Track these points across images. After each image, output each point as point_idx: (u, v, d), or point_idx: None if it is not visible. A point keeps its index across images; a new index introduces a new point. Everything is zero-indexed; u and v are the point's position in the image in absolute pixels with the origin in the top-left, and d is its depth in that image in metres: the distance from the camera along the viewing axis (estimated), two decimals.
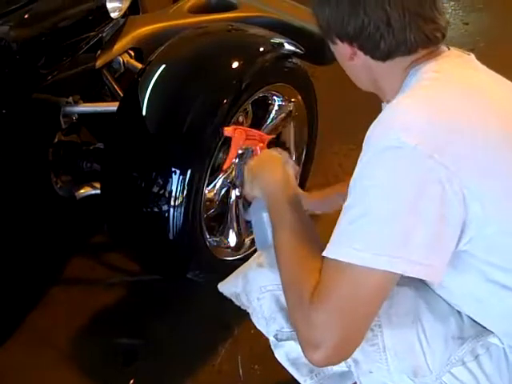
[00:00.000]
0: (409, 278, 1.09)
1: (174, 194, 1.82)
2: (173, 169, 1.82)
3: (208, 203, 2.05)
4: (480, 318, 1.27)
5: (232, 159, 1.77)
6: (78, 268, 2.31)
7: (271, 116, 2.23)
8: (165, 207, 1.84)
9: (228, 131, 1.74)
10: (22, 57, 1.91)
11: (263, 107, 2.20)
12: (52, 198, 2.17)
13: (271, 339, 1.43)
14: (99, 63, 2.19)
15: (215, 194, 2.08)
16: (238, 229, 2.19)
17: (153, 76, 1.93)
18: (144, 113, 1.89)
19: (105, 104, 2.22)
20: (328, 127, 2.43)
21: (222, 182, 2.09)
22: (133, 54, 2.33)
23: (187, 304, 2.17)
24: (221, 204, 2.14)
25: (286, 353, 1.40)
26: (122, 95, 2.15)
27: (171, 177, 1.82)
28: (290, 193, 1.38)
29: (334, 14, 1.22)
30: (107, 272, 2.31)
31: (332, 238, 1.13)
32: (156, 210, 1.86)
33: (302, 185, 2.27)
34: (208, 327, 2.10)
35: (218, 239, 2.14)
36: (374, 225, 1.07)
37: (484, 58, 1.28)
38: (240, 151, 1.93)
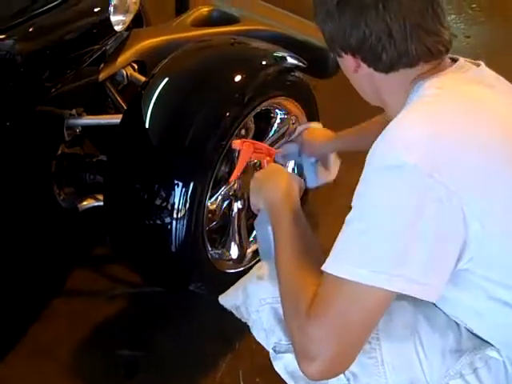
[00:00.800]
0: None
1: (176, 206, 1.82)
2: (175, 181, 1.83)
3: (210, 216, 2.05)
4: (479, 331, 1.27)
5: (239, 171, 1.78)
6: (79, 280, 2.31)
7: (273, 129, 2.24)
8: (167, 219, 1.84)
9: (236, 144, 1.75)
10: (26, 70, 1.92)
11: (265, 120, 2.21)
12: (55, 210, 2.17)
13: (270, 352, 1.43)
14: (103, 76, 2.20)
15: (217, 206, 2.08)
16: (239, 241, 2.19)
17: (156, 89, 1.94)
18: (147, 125, 1.89)
19: (108, 116, 2.23)
20: None
21: (224, 194, 2.10)
22: (136, 66, 2.34)
23: (189, 316, 2.17)
24: (223, 216, 2.15)
25: (285, 365, 1.41)
26: (125, 108, 2.16)
27: (174, 189, 1.82)
28: (292, 206, 1.38)
29: (337, 27, 1.23)
30: (109, 284, 2.31)
31: (332, 252, 1.13)
32: (158, 222, 1.87)
33: (302, 198, 2.27)
34: (209, 340, 2.10)
35: (219, 252, 2.15)
36: (373, 242, 1.08)
37: None
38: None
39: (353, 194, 1.14)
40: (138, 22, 2.47)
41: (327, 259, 1.13)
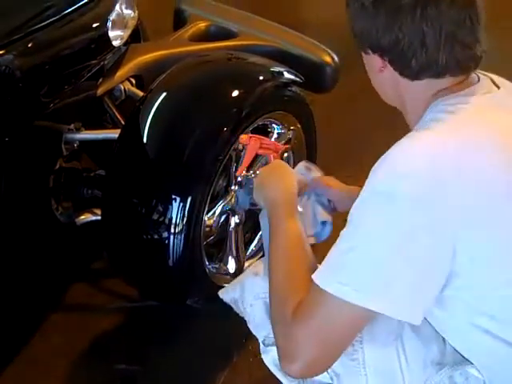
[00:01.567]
0: None
1: (174, 221, 1.83)
2: (173, 196, 1.84)
3: (208, 230, 2.06)
4: (461, 351, 1.28)
5: (245, 166, 1.77)
6: (77, 294, 2.31)
7: None
8: (165, 234, 1.85)
9: (243, 139, 1.75)
10: (24, 85, 1.93)
11: (263, 135, 2.21)
12: (53, 224, 2.17)
13: (260, 344, 1.46)
14: (101, 91, 2.21)
15: (215, 221, 2.08)
16: (237, 256, 2.19)
17: (154, 104, 1.95)
18: (145, 140, 1.90)
19: (106, 131, 2.24)
20: (326, 154, 2.45)
21: (222, 209, 2.10)
22: (134, 81, 2.35)
23: (186, 330, 2.17)
24: (220, 231, 2.15)
25: (273, 358, 1.42)
26: (122, 122, 2.17)
27: (171, 204, 1.83)
28: (289, 208, 1.38)
29: (369, 25, 1.20)
30: (107, 298, 2.31)
31: (323, 263, 1.15)
32: (156, 236, 1.87)
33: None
34: (207, 353, 2.10)
35: (217, 266, 2.15)
36: (360, 263, 1.09)
37: None
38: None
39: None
40: (135, 37, 2.48)
41: (318, 269, 1.15)
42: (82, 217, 2.20)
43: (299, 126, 2.24)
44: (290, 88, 2.16)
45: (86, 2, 2.15)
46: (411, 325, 1.30)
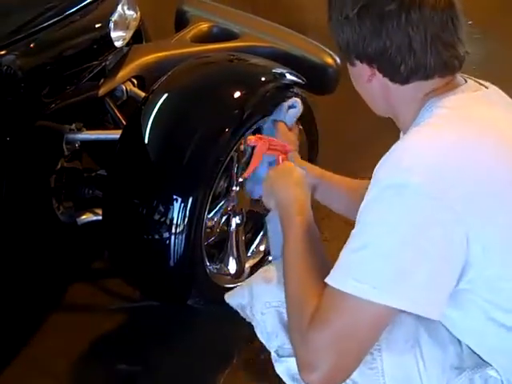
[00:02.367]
0: None
1: (175, 221, 1.83)
2: (174, 196, 1.84)
3: (208, 231, 2.06)
4: (479, 351, 1.27)
5: (254, 167, 1.77)
6: (78, 294, 2.31)
7: None
8: (166, 234, 1.85)
9: (251, 140, 1.75)
10: (26, 85, 1.94)
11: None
12: (54, 224, 2.18)
13: (272, 354, 1.44)
14: (102, 91, 2.21)
15: (216, 221, 2.09)
16: (237, 256, 2.20)
17: (155, 105, 1.95)
18: (146, 141, 1.90)
19: (107, 131, 2.24)
20: (328, 155, 2.45)
21: (223, 209, 2.11)
22: (135, 82, 2.35)
23: (187, 331, 2.17)
24: (221, 231, 2.15)
25: (287, 368, 1.41)
26: (124, 123, 2.17)
27: (172, 204, 1.83)
28: (302, 210, 1.38)
29: (356, 35, 1.21)
30: (107, 298, 2.31)
31: (336, 265, 1.14)
32: (157, 237, 1.87)
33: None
34: (208, 354, 2.10)
35: (218, 266, 2.15)
36: (375, 258, 1.09)
37: None
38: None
39: None
40: (137, 37, 2.48)
41: (331, 271, 1.14)
42: (83, 217, 2.20)
43: (301, 126, 2.24)
44: (291, 89, 2.16)
45: (88, 3, 2.15)
46: (428, 330, 1.30)
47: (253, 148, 1.77)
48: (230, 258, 2.19)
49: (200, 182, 1.86)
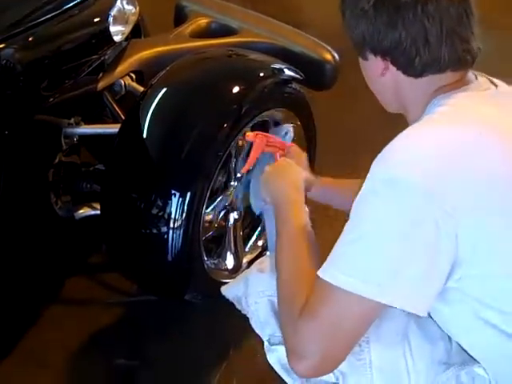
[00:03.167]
0: None
1: (173, 216, 1.83)
2: (172, 191, 1.84)
3: (207, 225, 2.06)
4: (468, 348, 1.28)
5: (251, 164, 1.78)
6: (75, 288, 2.31)
7: None
8: (164, 229, 1.85)
9: (250, 136, 1.76)
10: (25, 78, 1.94)
11: (262, 131, 2.22)
12: (51, 218, 2.18)
13: (265, 344, 1.45)
14: (101, 85, 2.21)
15: (214, 216, 2.09)
16: (235, 251, 2.20)
17: (154, 99, 1.95)
18: (145, 135, 1.91)
19: (105, 126, 2.24)
20: (326, 151, 2.46)
21: (221, 204, 2.11)
22: (134, 76, 2.35)
23: (185, 325, 2.17)
24: (219, 227, 2.16)
25: (278, 358, 1.42)
26: (122, 117, 2.17)
27: (171, 199, 1.84)
28: (296, 206, 1.40)
29: (371, 27, 1.21)
30: (105, 292, 2.31)
31: (328, 258, 1.15)
32: (155, 231, 1.88)
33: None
34: (205, 348, 2.10)
35: (215, 261, 2.16)
36: (366, 253, 1.10)
37: None
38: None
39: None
40: (136, 32, 2.47)
41: (323, 264, 1.15)
42: (81, 211, 2.20)
43: (299, 122, 2.25)
44: (290, 85, 2.16)
45: None
46: (417, 324, 1.31)
47: (251, 144, 1.78)
48: (228, 253, 2.19)
49: (198, 176, 1.87)
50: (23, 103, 1.96)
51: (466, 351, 1.29)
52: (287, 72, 2.15)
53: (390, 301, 1.09)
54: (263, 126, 2.13)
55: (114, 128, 2.07)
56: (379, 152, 1.16)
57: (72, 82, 2.12)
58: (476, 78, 1.26)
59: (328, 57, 2.52)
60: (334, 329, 1.12)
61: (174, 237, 1.86)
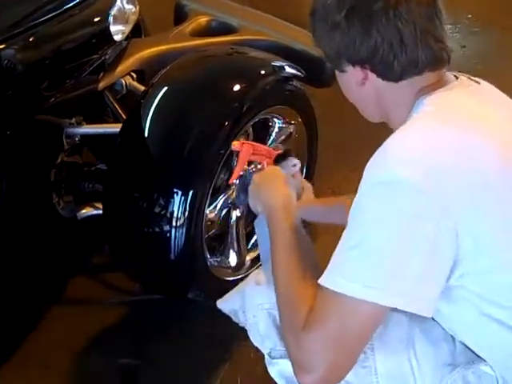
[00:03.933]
0: None
1: (175, 214, 1.83)
2: (174, 190, 1.84)
3: (209, 224, 2.07)
4: (473, 346, 1.28)
5: (238, 173, 1.78)
6: (78, 288, 2.31)
7: (271, 138, 2.26)
8: (166, 228, 1.85)
9: (236, 145, 1.75)
10: (26, 79, 1.94)
11: (264, 129, 2.22)
12: (54, 218, 2.18)
13: (266, 357, 1.44)
14: (102, 85, 2.21)
15: (216, 214, 2.09)
16: (238, 249, 2.20)
17: (155, 98, 1.96)
18: (146, 134, 1.91)
19: (107, 125, 2.24)
20: (327, 149, 2.46)
21: (223, 202, 2.11)
22: (135, 76, 2.35)
23: (187, 324, 2.17)
24: (221, 224, 2.16)
25: (280, 370, 1.41)
26: (124, 117, 2.17)
27: (173, 198, 1.84)
28: (289, 213, 1.38)
29: (346, 39, 1.21)
30: (107, 292, 2.31)
31: (328, 265, 1.14)
32: (157, 230, 1.88)
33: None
34: (207, 348, 2.10)
35: (218, 259, 2.16)
36: (365, 257, 1.09)
37: None
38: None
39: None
40: (137, 31, 2.48)
41: (324, 272, 1.14)
42: (83, 211, 2.20)
43: (300, 120, 2.25)
44: (291, 82, 2.16)
45: None
46: (420, 328, 1.30)
47: (237, 153, 1.78)
48: (231, 251, 2.20)
49: (200, 175, 1.87)
50: (24, 103, 1.97)
51: (471, 350, 1.28)
52: (288, 69, 2.15)
53: (394, 303, 1.09)
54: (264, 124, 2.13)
55: (115, 127, 2.07)
56: None
57: (73, 82, 2.12)
58: (456, 78, 1.27)
59: None
60: (339, 337, 1.11)
61: (176, 235, 1.86)
